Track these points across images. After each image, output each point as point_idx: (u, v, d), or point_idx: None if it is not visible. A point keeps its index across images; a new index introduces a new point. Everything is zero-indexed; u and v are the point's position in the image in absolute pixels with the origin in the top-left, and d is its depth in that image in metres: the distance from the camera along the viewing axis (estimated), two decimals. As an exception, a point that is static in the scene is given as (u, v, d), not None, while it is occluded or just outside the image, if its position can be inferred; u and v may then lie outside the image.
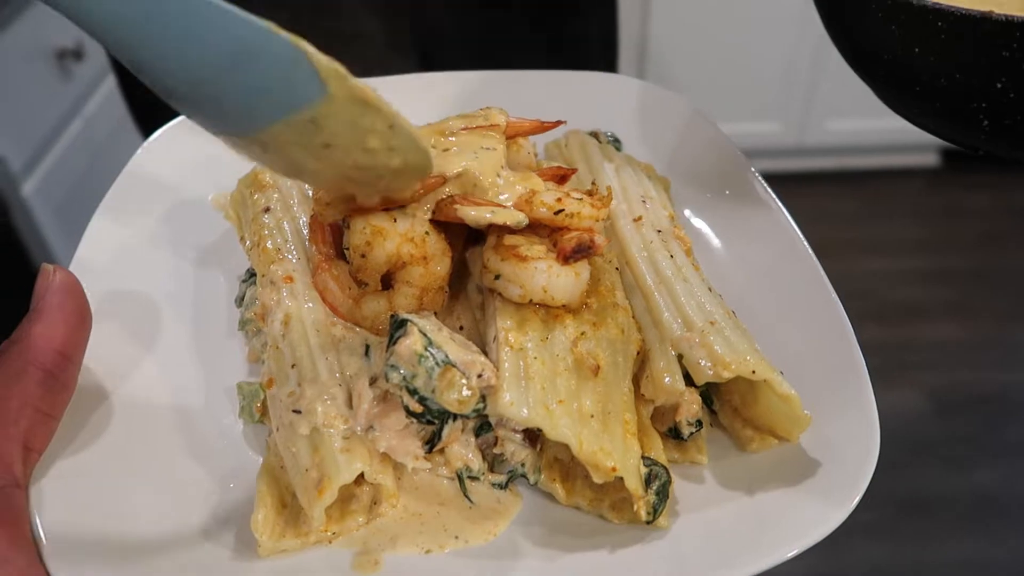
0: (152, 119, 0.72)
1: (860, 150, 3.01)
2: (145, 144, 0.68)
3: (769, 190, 0.65)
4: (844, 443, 0.49)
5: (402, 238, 0.52)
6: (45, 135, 1.70)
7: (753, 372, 0.49)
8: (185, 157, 0.68)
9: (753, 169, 0.67)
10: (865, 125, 2.91)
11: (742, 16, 2.63)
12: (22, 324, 0.47)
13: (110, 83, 1.95)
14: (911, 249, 2.74)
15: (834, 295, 0.56)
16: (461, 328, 0.54)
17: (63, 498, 0.46)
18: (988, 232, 2.83)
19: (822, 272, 0.58)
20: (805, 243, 0.60)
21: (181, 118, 0.69)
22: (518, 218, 0.52)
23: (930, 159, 3.09)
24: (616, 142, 0.72)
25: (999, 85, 0.46)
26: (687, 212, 0.68)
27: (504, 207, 0.52)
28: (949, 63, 0.47)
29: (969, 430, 2.17)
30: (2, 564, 0.40)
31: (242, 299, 0.59)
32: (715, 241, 0.65)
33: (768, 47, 2.69)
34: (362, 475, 0.48)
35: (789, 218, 0.62)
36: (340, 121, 0.41)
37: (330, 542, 0.48)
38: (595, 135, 0.70)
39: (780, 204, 0.64)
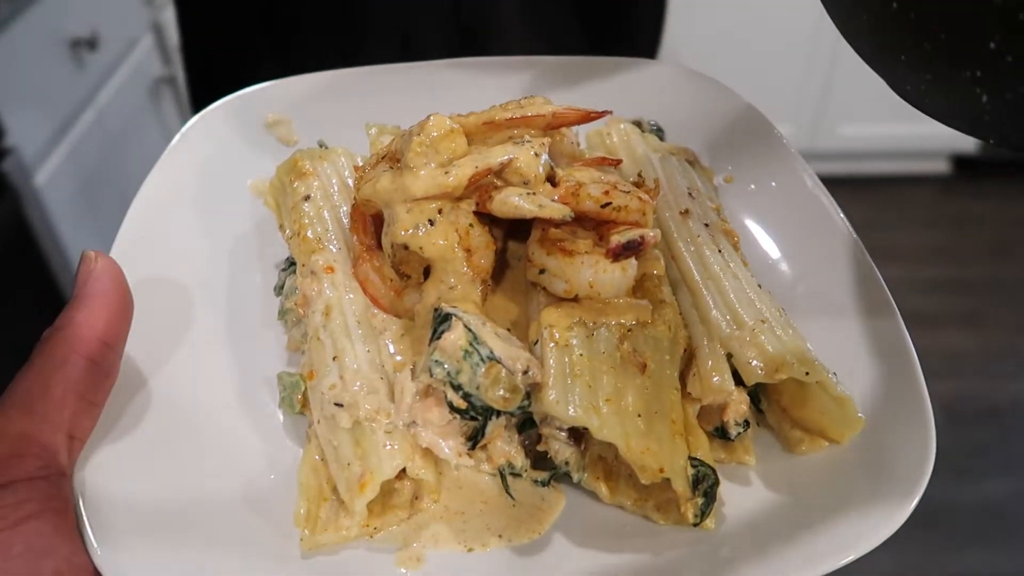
0: (208, 93, 0.71)
1: (871, 155, 3.00)
2: (183, 130, 0.67)
3: (819, 182, 0.63)
4: (898, 448, 0.47)
5: (446, 230, 0.51)
6: (58, 125, 1.70)
7: (807, 373, 0.47)
8: (224, 142, 0.68)
9: (801, 159, 0.65)
10: (877, 130, 2.90)
11: (756, 18, 2.62)
12: (65, 311, 0.47)
13: (123, 73, 1.96)
14: (921, 257, 2.73)
15: (887, 293, 0.54)
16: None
17: (106, 487, 0.45)
18: (999, 240, 2.81)
19: (875, 269, 0.56)
20: (858, 239, 0.58)
21: (219, 103, 0.69)
22: (563, 212, 0.51)
23: (941, 166, 3.08)
24: (659, 131, 0.70)
25: (992, 46, 0.35)
26: (731, 204, 0.65)
27: (549, 199, 0.52)
28: (931, 17, 0.37)
29: (980, 441, 2.16)
30: (47, 553, 0.40)
31: (281, 288, 0.58)
32: (761, 235, 0.63)
33: (782, 49, 2.68)
34: (404, 470, 0.47)
35: (839, 211, 0.60)
36: None
37: (371, 536, 0.47)
38: (638, 123, 0.69)
39: (830, 197, 0.62)
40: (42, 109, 1.64)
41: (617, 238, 0.50)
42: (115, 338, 0.47)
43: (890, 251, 2.69)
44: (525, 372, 0.47)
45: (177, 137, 0.67)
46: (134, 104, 1.99)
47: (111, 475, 0.46)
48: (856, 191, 2.92)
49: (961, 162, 3.06)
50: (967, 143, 2.83)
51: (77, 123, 1.76)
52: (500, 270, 0.55)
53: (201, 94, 1.05)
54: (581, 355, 0.48)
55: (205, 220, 0.63)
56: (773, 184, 0.66)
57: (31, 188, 1.57)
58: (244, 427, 0.52)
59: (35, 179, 1.59)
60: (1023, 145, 0.39)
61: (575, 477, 0.49)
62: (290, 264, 0.58)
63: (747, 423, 0.50)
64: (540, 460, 0.50)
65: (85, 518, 0.43)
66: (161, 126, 2.12)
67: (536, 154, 0.52)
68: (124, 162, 1.87)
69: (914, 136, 2.86)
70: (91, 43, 1.75)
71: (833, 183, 0.63)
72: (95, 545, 0.42)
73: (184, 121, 0.70)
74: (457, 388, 0.47)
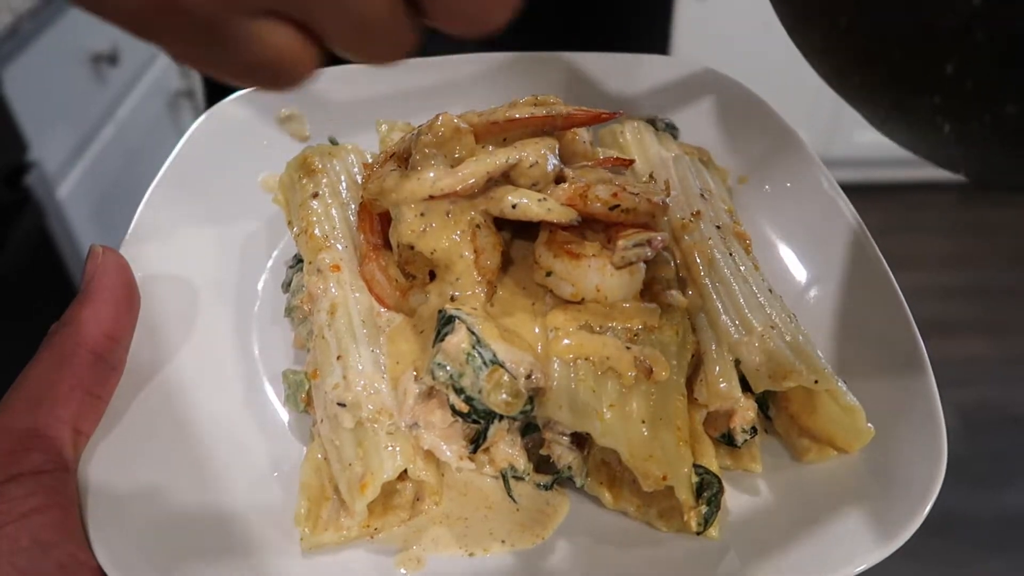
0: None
1: (888, 162, 2.96)
2: (196, 123, 0.67)
3: (836, 185, 0.62)
4: (907, 458, 0.47)
5: (452, 231, 0.51)
6: (80, 139, 1.71)
7: (815, 382, 0.47)
8: (236, 136, 0.67)
9: (818, 161, 0.64)
10: (893, 137, 2.86)
11: (771, 24, 2.59)
12: (72, 306, 0.47)
13: (144, 87, 1.97)
14: (940, 264, 2.69)
15: (902, 300, 0.53)
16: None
17: (109, 483, 0.45)
18: (1018, 247, 2.77)
19: (890, 275, 0.55)
20: (873, 243, 0.57)
21: (232, 96, 0.69)
22: (569, 215, 0.50)
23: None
24: (673, 129, 0.69)
25: (950, 70, 0.31)
26: (745, 205, 0.65)
27: (555, 202, 0.51)
28: (882, 37, 0.33)
29: (999, 449, 2.12)
30: (50, 548, 0.40)
31: (289, 285, 0.58)
32: (774, 237, 0.62)
33: (797, 55, 2.65)
34: (405, 471, 0.47)
35: (856, 215, 0.59)
36: None
37: (372, 537, 0.47)
38: (651, 122, 0.68)
39: (847, 200, 0.60)
40: (64, 123, 1.65)
41: (624, 243, 0.50)
42: (121, 333, 0.48)
43: (908, 258, 2.66)
44: (528, 376, 0.47)
45: (190, 130, 0.66)
46: (153, 117, 2.01)
47: (115, 470, 0.46)
48: (873, 198, 2.89)
49: (981, 168, 3.01)
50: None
51: (98, 137, 1.77)
52: (506, 270, 0.54)
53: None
54: (586, 359, 0.47)
55: (216, 215, 0.63)
56: (788, 185, 0.65)
57: (54, 201, 1.58)
58: (249, 424, 0.52)
59: (57, 192, 1.61)
60: (995, 182, 0.36)
61: (578, 482, 0.49)
62: (298, 261, 0.58)
63: (754, 430, 0.50)
64: (543, 464, 0.50)
65: (88, 513, 0.43)
66: (179, 139, 2.15)
67: (545, 155, 0.52)
68: (143, 175, 1.88)
69: (932, 142, 2.81)
70: (112, 58, 1.76)
71: (850, 190, 0.62)
72: (97, 541, 0.42)
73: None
74: (459, 391, 0.46)
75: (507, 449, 0.49)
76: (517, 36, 0.93)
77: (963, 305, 2.55)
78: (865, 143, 2.90)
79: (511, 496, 0.49)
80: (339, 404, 0.48)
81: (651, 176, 0.57)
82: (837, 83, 0.38)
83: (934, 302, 2.54)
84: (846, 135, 2.86)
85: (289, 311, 0.57)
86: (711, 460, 0.48)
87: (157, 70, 2.03)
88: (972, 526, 1.92)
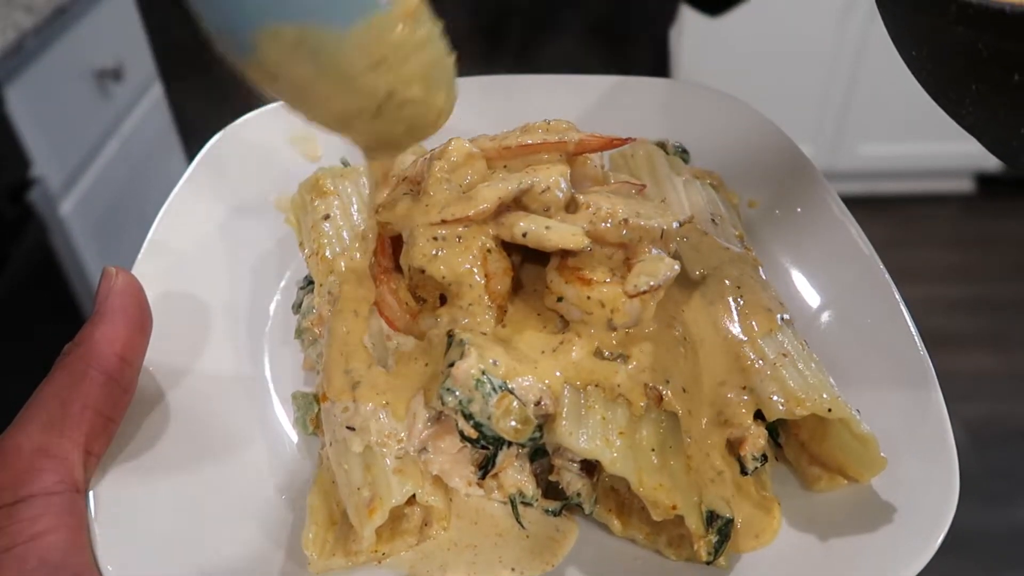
0: (197, 132, 0.72)
1: (893, 175, 2.96)
2: (210, 144, 0.67)
3: (845, 209, 0.62)
4: (919, 487, 0.46)
5: (464, 256, 0.51)
6: (84, 154, 1.72)
7: (829, 410, 0.46)
8: (249, 157, 0.68)
9: (828, 185, 0.64)
10: (898, 150, 2.86)
11: (774, 36, 2.60)
12: (84, 327, 0.48)
13: (148, 102, 1.97)
14: (945, 276, 2.68)
15: (912, 326, 0.53)
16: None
17: (118, 504, 0.46)
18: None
19: (900, 300, 0.55)
20: (882, 268, 0.57)
21: (245, 117, 0.69)
22: (581, 243, 0.50)
23: (964, 185, 3.02)
24: (684, 153, 0.69)
25: None
26: (755, 230, 0.65)
27: (568, 228, 0.51)
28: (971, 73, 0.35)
29: (1007, 465, 2.11)
30: (58, 570, 0.40)
31: (299, 306, 0.58)
32: (784, 262, 0.62)
33: (801, 68, 2.65)
34: (413, 496, 0.47)
35: (866, 240, 0.59)
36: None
37: (379, 562, 0.47)
38: (662, 145, 0.68)
39: (857, 225, 0.60)
40: (67, 139, 1.66)
41: (636, 271, 0.50)
42: (133, 354, 0.48)
43: (913, 271, 2.65)
44: (538, 403, 0.47)
45: (203, 151, 0.67)
46: (157, 133, 2.02)
47: (125, 492, 0.46)
48: (878, 210, 2.89)
49: (985, 181, 3.00)
50: (991, 162, 2.78)
51: (101, 153, 1.78)
52: (517, 295, 0.54)
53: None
54: (597, 386, 0.47)
55: (228, 236, 0.63)
56: (799, 210, 0.65)
57: (57, 218, 1.59)
58: (259, 446, 0.52)
59: (60, 209, 1.61)
60: None
61: (586, 508, 0.49)
62: (309, 282, 0.58)
63: (765, 457, 0.49)
64: (552, 489, 0.50)
65: (97, 535, 0.43)
66: (183, 155, 2.17)
67: (557, 181, 0.52)
68: (147, 191, 1.89)
69: (936, 155, 2.82)
70: (116, 74, 1.77)
71: (854, 203, 0.62)
72: (106, 563, 0.42)
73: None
74: (468, 417, 0.46)
75: (516, 475, 0.49)
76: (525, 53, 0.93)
77: (969, 318, 2.54)
78: (870, 155, 2.90)
79: (519, 522, 0.48)
80: (348, 428, 0.48)
81: (663, 200, 0.57)
82: (988, 134, 0.39)
83: (940, 315, 2.53)
84: (850, 148, 2.86)
85: (299, 333, 0.57)
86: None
87: (161, 86, 2.04)
88: (982, 542, 1.90)
